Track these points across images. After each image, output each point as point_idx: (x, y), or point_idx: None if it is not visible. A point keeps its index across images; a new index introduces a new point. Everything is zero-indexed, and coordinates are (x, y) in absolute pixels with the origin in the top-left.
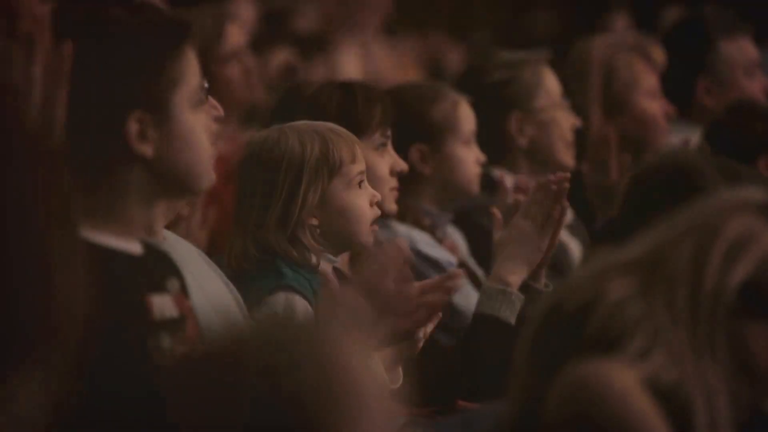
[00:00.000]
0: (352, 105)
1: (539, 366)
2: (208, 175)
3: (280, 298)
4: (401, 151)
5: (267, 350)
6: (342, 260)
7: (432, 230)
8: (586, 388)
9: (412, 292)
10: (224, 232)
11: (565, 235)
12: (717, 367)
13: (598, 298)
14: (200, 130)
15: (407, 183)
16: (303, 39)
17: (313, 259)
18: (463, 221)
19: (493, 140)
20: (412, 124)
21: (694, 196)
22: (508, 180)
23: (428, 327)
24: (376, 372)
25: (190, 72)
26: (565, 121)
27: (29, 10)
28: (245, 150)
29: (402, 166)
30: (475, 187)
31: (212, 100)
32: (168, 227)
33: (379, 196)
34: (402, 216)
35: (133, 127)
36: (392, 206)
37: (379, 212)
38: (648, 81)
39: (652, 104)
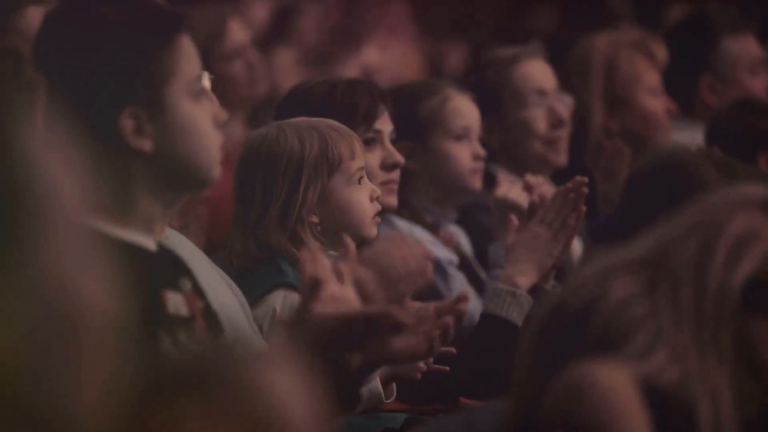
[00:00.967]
0: (332, 99)
1: (542, 365)
2: (215, 165)
3: (279, 296)
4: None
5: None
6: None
7: (434, 228)
8: (574, 386)
9: (431, 312)
10: (220, 232)
11: None
12: (721, 366)
13: (602, 297)
14: (202, 120)
15: (405, 179)
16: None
17: None
18: (465, 219)
19: None
20: (399, 121)
21: (690, 194)
22: (504, 178)
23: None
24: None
25: (186, 62)
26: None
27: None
28: (243, 148)
29: (396, 159)
30: (469, 181)
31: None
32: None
33: (379, 191)
34: (402, 212)
35: (127, 122)
36: (389, 200)
37: (379, 207)
38: (650, 78)
39: (654, 101)
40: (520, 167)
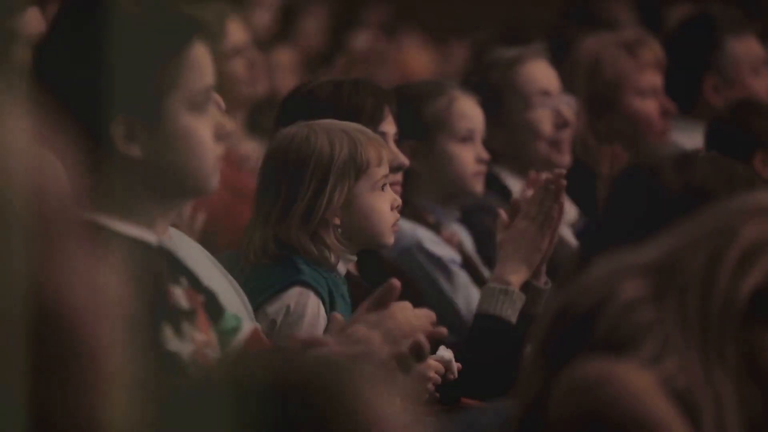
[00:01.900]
0: (338, 98)
1: (548, 366)
2: (211, 178)
3: (294, 293)
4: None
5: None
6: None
7: (436, 228)
8: (600, 386)
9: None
10: (217, 232)
11: (568, 234)
12: (726, 374)
13: (609, 299)
14: (201, 132)
15: (409, 179)
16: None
17: (332, 258)
18: (468, 221)
19: None
20: (404, 120)
21: (661, 200)
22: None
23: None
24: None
25: (192, 74)
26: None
27: None
28: (271, 145)
29: (401, 161)
30: (472, 184)
31: (215, 96)
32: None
33: (399, 201)
34: (405, 212)
35: (119, 128)
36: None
37: (398, 216)
38: (637, 79)
39: (643, 102)
40: (523, 168)
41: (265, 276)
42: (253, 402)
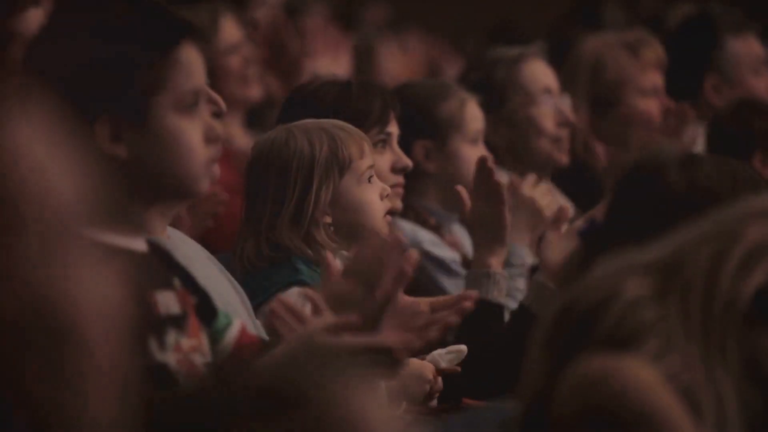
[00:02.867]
0: (347, 100)
1: (552, 362)
2: (201, 180)
3: (293, 293)
4: (405, 147)
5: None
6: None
7: (437, 229)
8: (606, 381)
9: (423, 308)
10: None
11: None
12: (728, 375)
13: (613, 296)
14: (189, 134)
15: (411, 180)
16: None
17: None
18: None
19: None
20: (417, 120)
21: (663, 200)
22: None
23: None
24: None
25: (181, 76)
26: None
27: None
28: (252, 152)
29: (406, 162)
30: None
31: (213, 95)
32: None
33: (389, 189)
34: (406, 214)
35: (103, 128)
36: (396, 204)
37: (390, 204)
38: (639, 78)
39: (644, 102)
40: (524, 166)
41: (264, 277)
42: (243, 414)
